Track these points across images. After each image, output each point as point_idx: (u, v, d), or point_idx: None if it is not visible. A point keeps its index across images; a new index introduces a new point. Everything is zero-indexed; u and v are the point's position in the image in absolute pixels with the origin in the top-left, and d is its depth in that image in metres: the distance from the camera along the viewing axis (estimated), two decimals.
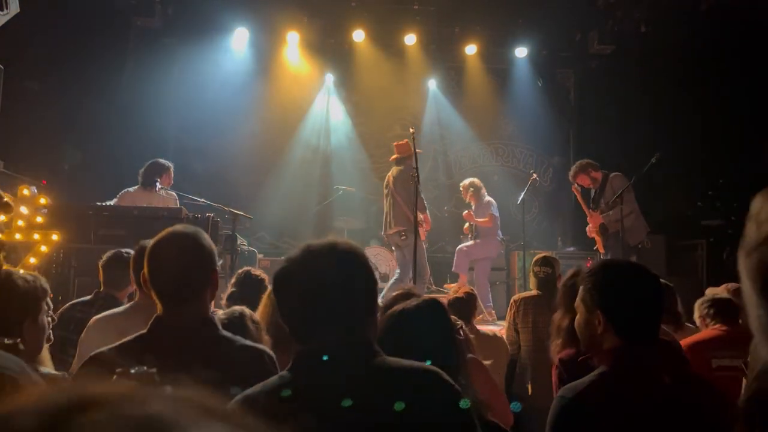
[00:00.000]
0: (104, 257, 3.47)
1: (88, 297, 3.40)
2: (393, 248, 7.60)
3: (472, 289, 4.13)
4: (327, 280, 1.44)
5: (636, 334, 1.77)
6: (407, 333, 1.88)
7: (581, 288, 1.88)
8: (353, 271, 1.48)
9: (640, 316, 1.80)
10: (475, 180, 8.17)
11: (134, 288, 3.16)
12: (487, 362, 3.21)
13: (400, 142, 7.26)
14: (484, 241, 7.88)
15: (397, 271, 7.28)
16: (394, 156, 7.22)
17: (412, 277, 6.67)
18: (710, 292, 3.81)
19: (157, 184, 6.21)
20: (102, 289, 3.40)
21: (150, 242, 1.97)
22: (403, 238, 6.99)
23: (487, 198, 8.02)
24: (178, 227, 1.99)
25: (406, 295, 2.75)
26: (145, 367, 1.18)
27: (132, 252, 2.99)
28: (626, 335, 1.76)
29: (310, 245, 1.49)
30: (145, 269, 1.92)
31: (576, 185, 6.98)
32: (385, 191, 7.23)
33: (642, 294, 1.81)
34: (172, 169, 6.46)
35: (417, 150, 6.42)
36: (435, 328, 1.96)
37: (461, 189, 8.17)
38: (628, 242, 6.60)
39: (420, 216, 6.77)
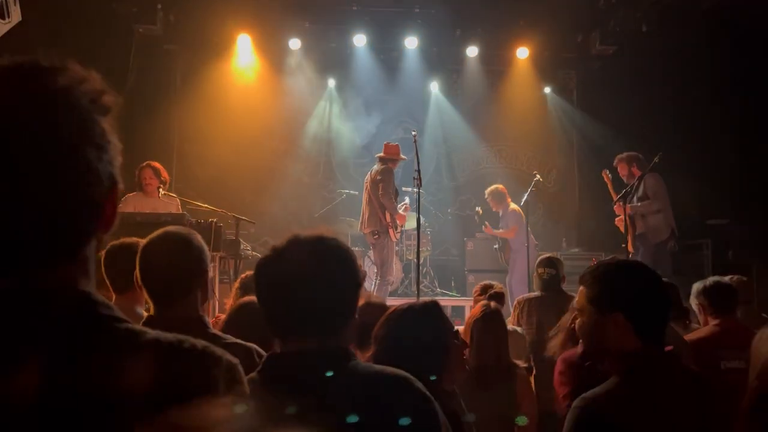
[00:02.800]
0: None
1: None
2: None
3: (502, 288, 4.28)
4: (308, 273, 1.40)
5: (656, 336, 1.74)
6: (398, 333, 1.89)
7: (587, 290, 1.81)
8: (336, 267, 1.44)
9: (660, 316, 1.78)
10: (498, 187, 8.10)
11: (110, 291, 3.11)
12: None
13: (390, 144, 7.30)
14: (513, 266, 7.84)
15: (375, 271, 7.31)
16: (380, 154, 7.25)
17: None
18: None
19: (160, 190, 6.21)
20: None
21: (141, 242, 2.03)
22: (376, 237, 7.04)
23: (512, 206, 7.99)
24: (171, 228, 2.05)
25: (368, 305, 2.77)
26: None
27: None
28: (648, 337, 1.71)
29: (297, 237, 1.47)
30: (137, 268, 1.97)
31: (607, 172, 6.93)
32: (364, 188, 7.27)
33: (660, 294, 1.79)
34: (147, 168, 6.30)
35: (418, 152, 6.42)
36: (425, 331, 1.95)
37: (487, 197, 8.15)
38: (650, 240, 6.61)
39: (387, 217, 6.87)
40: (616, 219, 6.79)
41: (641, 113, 8.74)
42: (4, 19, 4.78)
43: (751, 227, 7.46)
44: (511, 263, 7.96)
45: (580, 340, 2.23)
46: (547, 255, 4.78)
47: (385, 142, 7.42)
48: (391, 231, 7.00)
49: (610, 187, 6.86)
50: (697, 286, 3.69)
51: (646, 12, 8.40)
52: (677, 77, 8.32)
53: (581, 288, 1.85)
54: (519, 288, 7.32)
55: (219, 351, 0.85)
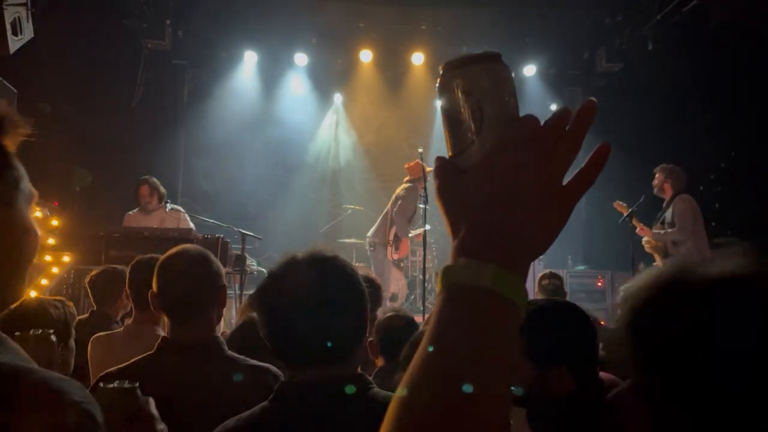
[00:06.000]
0: (93, 274, 3.41)
1: (85, 316, 3.37)
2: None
3: None
4: (309, 300, 1.32)
5: (593, 377, 1.74)
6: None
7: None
8: (338, 289, 1.36)
9: (595, 359, 1.78)
10: None
11: (128, 306, 3.11)
12: None
13: (410, 164, 7.26)
14: None
15: None
16: (407, 177, 7.26)
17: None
18: None
19: (168, 204, 6.23)
20: (96, 308, 3.36)
21: (160, 258, 2.00)
22: (371, 249, 7.04)
23: None
24: (188, 246, 2.03)
25: (396, 317, 2.75)
26: (126, 382, 1.17)
27: (125, 268, 2.86)
28: (585, 380, 1.71)
29: (294, 259, 1.38)
30: (154, 285, 1.94)
31: (619, 203, 6.76)
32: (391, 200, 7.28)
33: (593, 336, 1.76)
34: (144, 184, 6.26)
35: (426, 168, 6.43)
36: None
37: None
38: None
39: (391, 234, 6.82)
40: (644, 241, 6.64)
41: (647, 131, 8.74)
42: (16, 35, 4.83)
43: (761, 246, 7.41)
44: None
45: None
46: (548, 270, 4.91)
47: (406, 165, 7.38)
48: (389, 248, 6.96)
49: (625, 214, 6.74)
50: None
51: (652, 30, 8.43)
52: (683, 95, 8.32)
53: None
54: None
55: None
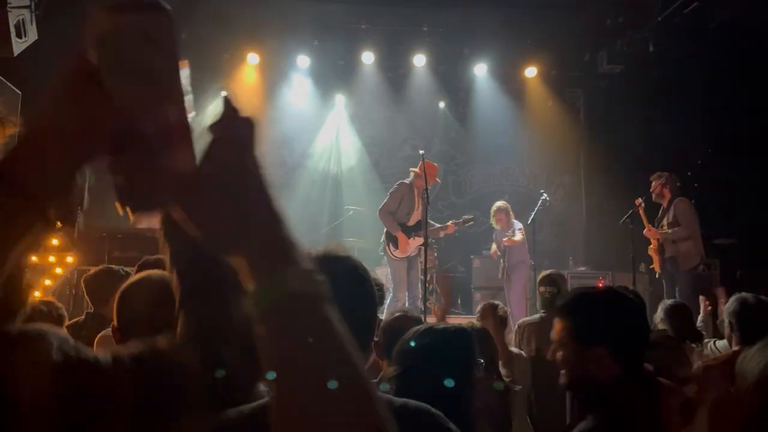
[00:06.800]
0: (89, 274, 3.33)
1: (81, 318, 3.31)
2: None
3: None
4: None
5: (637, 364, 1.75)
6: (432, 354, 1.76)
7: (565, 322, 1.75)
8: (352, 291, 1.28)
9: (641, 344, 1.79)
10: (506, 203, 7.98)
11: None
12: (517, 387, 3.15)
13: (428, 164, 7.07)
14: (510, 283, 7.66)
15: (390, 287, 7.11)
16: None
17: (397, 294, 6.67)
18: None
19: None
20: (93, 309, 3.29)
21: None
22: (382, 252, 7.00)
23: (514, 220, 7.93)
24: (152, 273, 1.81)
25: (404, 317, 2.69)
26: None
27: (126, 270, 2.79)
28: (629, 366, 1.73)
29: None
30: (114, 315, 1.73)
31: (640, 201, 6.84)
32: None
33: (641, 321, 1.81)
34: None
35: (425, 170, 6.39)
36: (455, 360, 1.80)
37: (495, 213, 7.87)
38: (680, 266, 6.57)
39: (390, 236, 6.75)
40: (650, 248, 6.81)
41: (648, 132, 8.76)
42: (21, 38, 4.87)
43: (760, 247, 7.43)
44: (510, 279, 7.73)
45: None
46: (548, 272, 4.65)
47: (411, 169, 7.28)
48: (389, 247, 6.90)
49: (642, 214, 6.83)
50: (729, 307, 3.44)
51: (653, 31, 8.45)
52: (684, 96, 8.34)
53: (557, 320, 1.79)
54: (517, 306, 7.26)
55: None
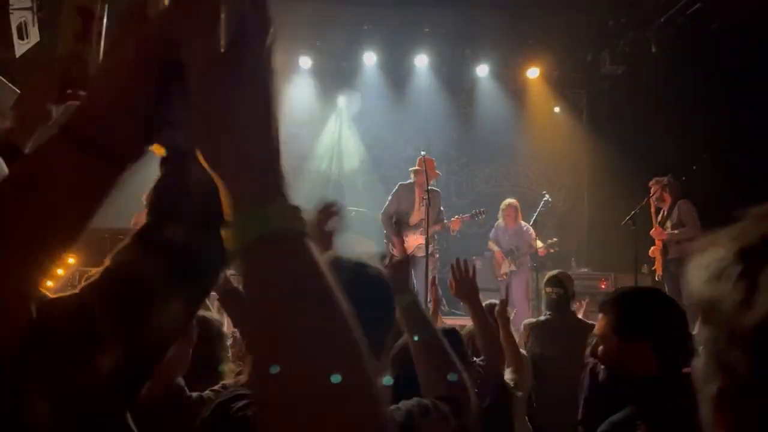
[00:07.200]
0: (91, 274, 3.39)
1: None
2: None
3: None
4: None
5: (677, 360, 1.76)
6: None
7: (608, 317, 1.84)
8: (371, 300, 1.28)
9: (682, 339, 1.81)
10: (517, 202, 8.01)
11: None
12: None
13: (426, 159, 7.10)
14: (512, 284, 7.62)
15: None
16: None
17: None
18: None
19: None
20: None
21: None
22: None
23: (521, 221, 7.96)
24: None
25: None
26: None
27: None
28: (669, 361, 1.77)
29: (339, 259, 1.33)
30: None
31: (657, 186, 6.93)
32: None
33: (681, 318, 1.83)
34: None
35: (427, 171, 6.40)
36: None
37: (506, 207, 7.96)
38: (686, 267, 6.57)
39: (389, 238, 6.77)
40: (652, 249, 6.88)
41: (651, 133, 8.74)
42: (22, 39, 4.88)
43: None
44: (511, 281, 7.70)
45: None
46: (555, 272, 4.56)
47: (410, 169, 7.32)
48: (393, 252, 6.88)
49: (653, 212, 6.90)
50: None
51: (655, 32, 8.43)
52: (687, 97, 8.32)
53: (601, 316, 1.86)
54: (520, 307, 7.24)
55: None
